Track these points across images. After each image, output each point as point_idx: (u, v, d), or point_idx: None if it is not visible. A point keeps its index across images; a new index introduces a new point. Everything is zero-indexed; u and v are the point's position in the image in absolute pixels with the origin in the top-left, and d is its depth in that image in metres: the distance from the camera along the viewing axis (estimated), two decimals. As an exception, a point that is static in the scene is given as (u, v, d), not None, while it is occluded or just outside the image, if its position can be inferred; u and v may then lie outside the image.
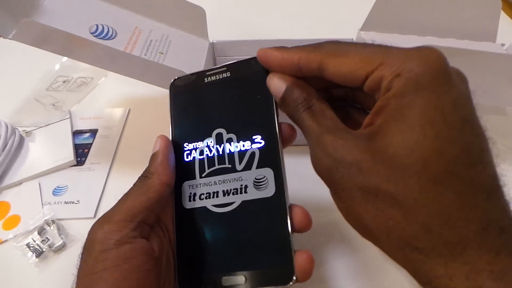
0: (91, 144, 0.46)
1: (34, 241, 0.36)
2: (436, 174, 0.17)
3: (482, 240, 0.17)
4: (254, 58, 0.26)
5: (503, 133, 0.45)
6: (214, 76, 0.28)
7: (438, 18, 0.44)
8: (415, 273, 0.18)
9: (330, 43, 0.22)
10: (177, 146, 0.27)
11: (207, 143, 0.27)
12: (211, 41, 0.47)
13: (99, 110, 0.51)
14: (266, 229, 0.24)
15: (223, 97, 0.27)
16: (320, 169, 0.21)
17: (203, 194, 0.26)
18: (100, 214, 0.38)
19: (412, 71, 0.18)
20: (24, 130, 0.47)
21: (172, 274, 0.25)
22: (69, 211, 0.39)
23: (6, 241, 0.37)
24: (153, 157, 0.26)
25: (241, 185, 0.25)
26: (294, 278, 0.23)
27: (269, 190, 0.25)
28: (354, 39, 0.47)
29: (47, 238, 0.36)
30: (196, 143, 0.27)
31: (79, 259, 0.23)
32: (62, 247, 0.36)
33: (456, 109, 0.18)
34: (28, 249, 0.35)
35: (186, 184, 0.27)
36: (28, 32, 0.33)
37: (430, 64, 0.18)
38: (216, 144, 0.26)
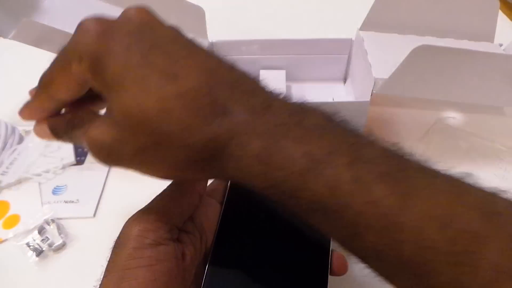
0: (91, 143, 0.46)
1: (34, 240, 0.36)
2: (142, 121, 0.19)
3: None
4: None
5: (501, 133, 0.45)
6: None
7: (437, 18, 0.44)
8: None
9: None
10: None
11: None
12: (210, 41, 0.48)
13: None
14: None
15: (278, 220, 0.28)
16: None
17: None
18: (99, 213, 0.39)
19: (82, 51, 0.20)
20: (24, 130, 0.47)
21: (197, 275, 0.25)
22: (69, 210, 0.39)
23: (6, 240, 0.37)
24: None
25: None
26: None
27: None
28: (354, 39, 0.47)
29: (47, 237, 0.36)
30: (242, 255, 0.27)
31: (110, 252, 0.23)
32: (62, 246, 0.36)
33: (127, 53, 0.19)
34: (28, 248, 0.35)
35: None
36: (28, 32, 0.33)
37: (83, 35, 0.21)
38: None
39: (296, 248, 0.25)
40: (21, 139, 0.45)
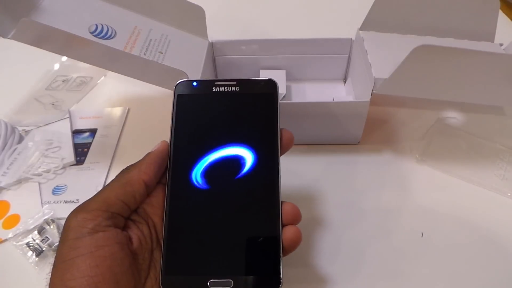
0: (91, 143, 0.46)
1: (34, 240, 0.36)
2: None
3: None
4: (266, 80, 0.28)
5: (501, 133, 0.45)
6: (223, 88, 0.29)
7: (437, 17, 0.44)
8: None
9: None
10: (176, 147, 0.28)
11: (208, 150, 0.27)
12: (210, 41, 0.48)
13: (98, 109, 0.51)
14: (258, 236, 0.25)
15: (229, 109, 0.28)
16: None
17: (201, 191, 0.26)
18: (99, 213, 0.39)
19: None
20: (24, 130, 0.47)
21: (152, 258, 0.25)
22: (69, 211, 0.38)
23: (5, 240, 0.37)
24: (146, 155, 0.28)
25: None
26: (281, 286, 0.24)
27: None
28: (354, 39, 0.47)
29: (47, 237, 0.36)
30: (198, 148, 0.27)
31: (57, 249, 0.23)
32: (62, 246, 0.36)
33: None
34: (28, 248, 0.36)
35: (184, 183, 0.27)
36: (27, 31, 0.33)
37: None
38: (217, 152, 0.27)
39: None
40: (20, 139, 0.45)
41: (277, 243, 0.25)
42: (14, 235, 0.37)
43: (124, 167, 0.27)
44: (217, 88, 0.29)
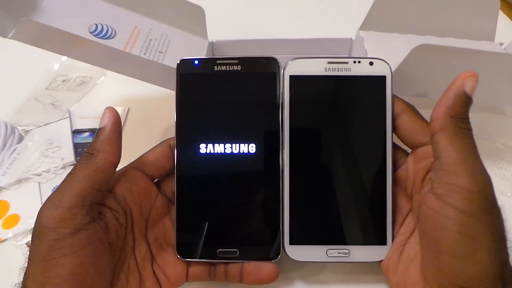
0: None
1: (34, 240, 0.36)
2: None
3: None
4: (267, 58, 0.29)
5: (501, 132, 0.45)
6: (224, 67, 0.29)
7: (437, 17, 0.44)
8: None
9: None
10: (182, 128, 0.29)
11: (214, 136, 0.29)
12: (210, 41, 0.48)
13: (98, 109, 0.50)
14: (261, 211, 0.28)
15: (231, 90, 0.29)
16: None
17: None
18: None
19: None
20: (24, 129, 0.47)
21: (124, 243, 0.26)
22: (69, 210, 0.39)
23: (5, 240, 0.37)
24: (100, 132, 0.26)
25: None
26: (280, 255, 0.27)
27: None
28: (353, 39, 0.47)
29: (47, 237, 0.36)
30: (203, 129, 0.29)
31: (30, 243, 0.23)
32: (62, 246, 0.36)
33: None
34: (27, 248, 0.35)
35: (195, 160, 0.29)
36: (27, 31, 0.33)
37: None
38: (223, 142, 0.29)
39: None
40: (20, 139, 0.45)
41: (277, 218, 0.28)
42: (14, 235, 0.37)
43: (85, 151, 0.26)
44: (219, 67, 0.29)
